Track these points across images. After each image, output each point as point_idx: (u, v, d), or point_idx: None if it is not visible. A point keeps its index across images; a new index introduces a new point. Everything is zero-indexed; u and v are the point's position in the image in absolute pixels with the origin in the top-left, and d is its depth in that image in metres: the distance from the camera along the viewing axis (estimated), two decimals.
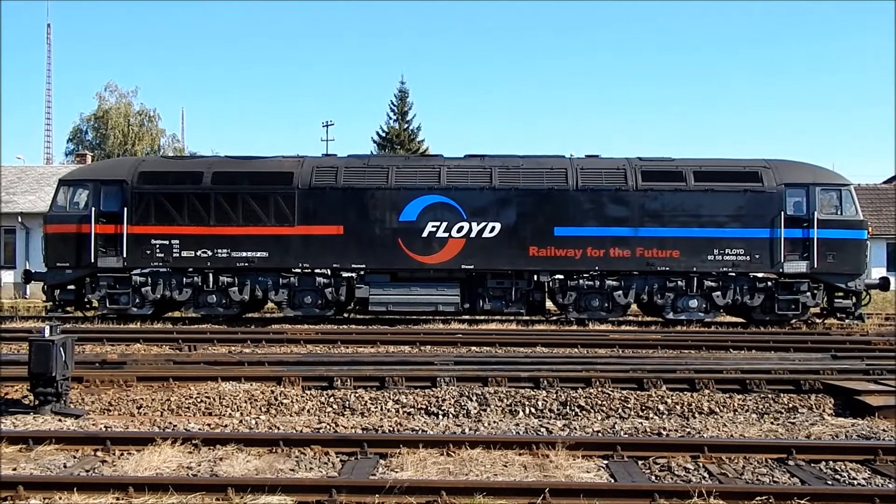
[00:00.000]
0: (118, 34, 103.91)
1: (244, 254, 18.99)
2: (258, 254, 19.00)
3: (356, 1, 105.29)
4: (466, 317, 19.73)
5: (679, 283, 18.83)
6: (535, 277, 19.06)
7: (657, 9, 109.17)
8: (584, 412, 10.05)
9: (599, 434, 8.89)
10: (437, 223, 18.94)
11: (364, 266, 19.03)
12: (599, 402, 10.21)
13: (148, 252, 19.06)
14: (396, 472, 7.04)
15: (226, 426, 9.24)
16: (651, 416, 9.98)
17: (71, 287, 19.44)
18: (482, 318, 19.62)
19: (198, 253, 19.00)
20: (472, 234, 18.92)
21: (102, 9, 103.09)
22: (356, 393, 10.51)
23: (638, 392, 10.51)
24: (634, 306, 20.35)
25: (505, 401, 10.25)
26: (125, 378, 10.86)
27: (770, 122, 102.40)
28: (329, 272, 19.17)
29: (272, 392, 10.51)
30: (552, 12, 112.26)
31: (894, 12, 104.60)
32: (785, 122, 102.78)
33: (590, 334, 16.29)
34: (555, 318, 20.13)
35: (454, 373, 11.02)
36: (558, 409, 10.11)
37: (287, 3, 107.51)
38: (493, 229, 18.93)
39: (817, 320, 19.80)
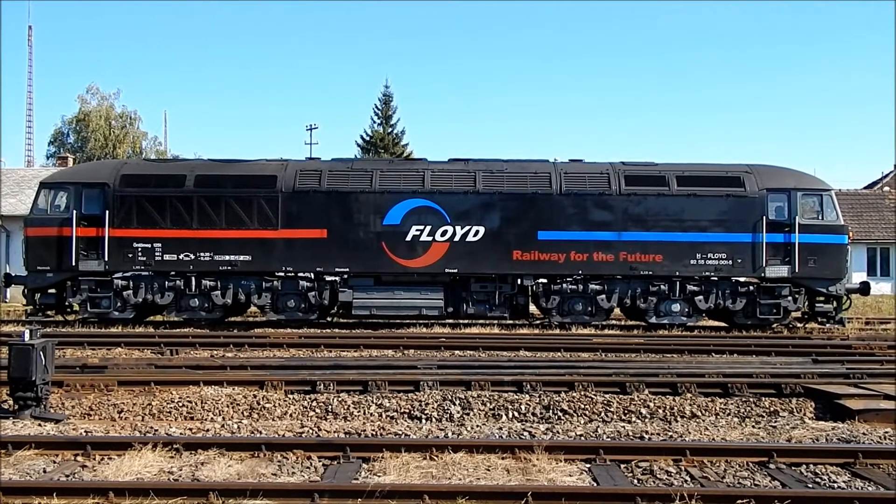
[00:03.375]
0: (100, 36, 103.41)
1: (227, 257, 18.91)
2: (241, 257, 18.92)
3: (340, 2, 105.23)
4: (450, 321, 19.71)
5: (662, 287, 18.91)
6: (519, 281, 19.08)
7: (644, 9, 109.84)
8: (567, 416, 10.06)
9: (582, 438, 8.92)
10: (421, 227, 18.92)
11: (348, 270, 18.98)
12: (582, 405, 10.23)
13: (130, 255, 18.92)
14: (379, 476, 7.01)
15: (208, 430, 9.18)
16: (634, 419, 10.01)
17: (52, 290, 19.29)
18: (466, 321, 19.61)
19: (180, 256, 18.90)
20: (456, 238, 18.92)
21: (83, 10, 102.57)
22: (339, 397, 10.47)
23: (621, 396, 10.53)
24: (617, 310, 20.41)
25: (488, 405, 10.25)
26: (106, 382, 10.77)
27: (753, 127, 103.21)
28: (312, 276, 19.09)
29: (255, 396, 10.46)
30: (539, 14, 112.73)
31: (894, 17, 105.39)
32: (767, 127, 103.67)
33: (573, 338, 16.32)
34: (538, 322, 20.17)
35: (437, 377, 11.01)
36: (541, 413, 10.12)
37: (270, 5, 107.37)
38: (476, 233, 18.94)
39: (798, 324, 19.93)
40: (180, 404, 10.24)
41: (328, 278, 19.14)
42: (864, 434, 9.05)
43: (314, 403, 10.31)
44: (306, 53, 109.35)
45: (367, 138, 47.43)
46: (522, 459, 7.51)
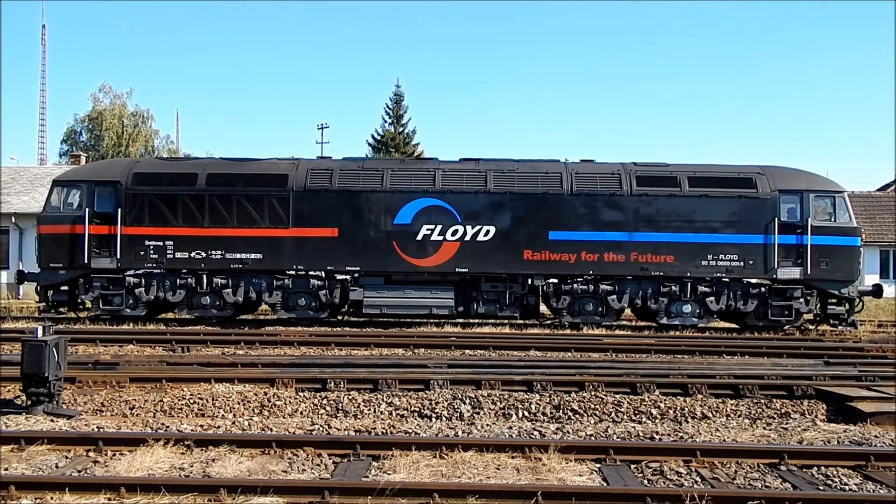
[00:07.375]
0: (112, 35, 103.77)
1: (238, 255, 18.97)
2: (252, 256, 18.98)
3: (352, 2, 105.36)
4: (460, 320, 19.72)
5: (673, 288, 18.86)
6: (530, 281, 19.06)
7: (660, 7, 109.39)
8: (577, 416, 10.06)
9: (592, 438, 8.91)
10: (432, 226, 18.93)
11: (358, 268, 19.02)
12: (593, 405, 10.22)
13: (142, 253, 19.01)
14: (389, 474, 7.03)
15: (218, 427, 9.22)
16: (644, 420, 10.00)
17: (64, 288, 19.40)
18: (476, 321, 19.61)
19: (192, 254, 18.97)
20: (467, 238, 18.93)
21: (96, 9, 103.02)
22: (349, 395, 10.50)
23: (631, 396, 10.52)
24: (628, 311, 20.37)
25: (498, 404, 10.25)
26: (118, 379, 10.83)
27: (765, 127, 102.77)
28: (323, 274, 19.15)
29: (265, 394, 10.50)
30: (550, 10, 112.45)
31: (894, 16, 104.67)
32: (780, 127, 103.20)
33: (583, 338, 16.31)
34: (549, 321, 20.15)
35: (447, 376, 11.03)
36: (551, 413, 10.11)
37: (282, 5, 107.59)
38: (487, 233, 18.94)
39: (810, 326, 19.84)
40: (191, 401, 10.28)
41: (339, 277, 19.20)
42: (875, 437, 9.02)
43: (325, 401, 10.34)
44: (318, 52, 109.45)
45: (378, 138, 47.51)
46: (532, 459, 7.51)
